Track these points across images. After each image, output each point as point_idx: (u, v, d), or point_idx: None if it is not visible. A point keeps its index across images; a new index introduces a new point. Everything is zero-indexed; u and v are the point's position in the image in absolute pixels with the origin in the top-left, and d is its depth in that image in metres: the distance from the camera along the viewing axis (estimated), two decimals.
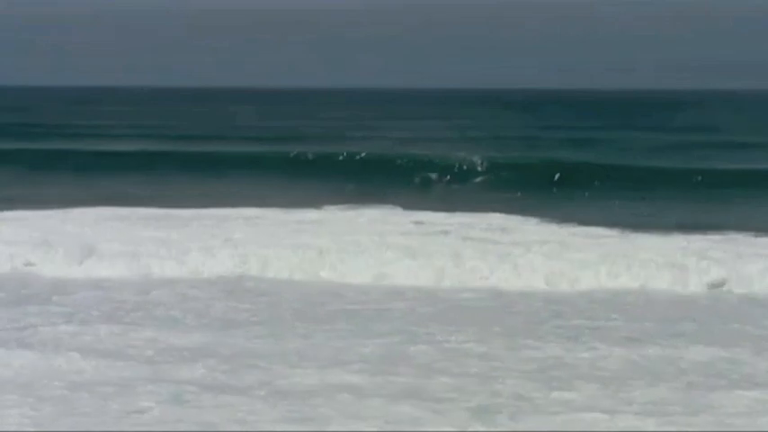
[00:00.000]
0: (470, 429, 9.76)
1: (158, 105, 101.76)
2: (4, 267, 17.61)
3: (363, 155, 34.31)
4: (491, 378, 11.23)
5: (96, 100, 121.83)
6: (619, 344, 12.82)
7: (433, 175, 31.93)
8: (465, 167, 32.71)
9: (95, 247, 18.20)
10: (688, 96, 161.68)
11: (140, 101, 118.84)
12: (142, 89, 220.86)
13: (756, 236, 20.00)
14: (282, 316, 14.44)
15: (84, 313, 14.34)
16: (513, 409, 10.15)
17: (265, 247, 18.21)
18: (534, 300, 15.80)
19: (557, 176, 31.04)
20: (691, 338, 13.21)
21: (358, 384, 10.92)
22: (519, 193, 28.78)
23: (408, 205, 23.86)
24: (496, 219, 22.10)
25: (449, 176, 31.96)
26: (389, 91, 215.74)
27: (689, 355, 12.36)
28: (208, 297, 15.64)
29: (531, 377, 11.31)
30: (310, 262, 17.60)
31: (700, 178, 31.11)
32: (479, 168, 32.60)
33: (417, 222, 21.36)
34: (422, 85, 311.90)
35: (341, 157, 34.24)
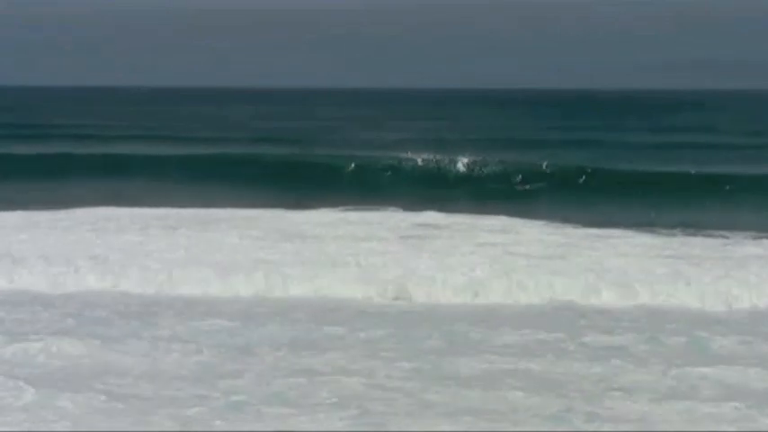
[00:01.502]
0: (472, 429, 9.54)
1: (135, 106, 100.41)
2: None
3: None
4: None
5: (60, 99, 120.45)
6: None
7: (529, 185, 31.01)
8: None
9: None
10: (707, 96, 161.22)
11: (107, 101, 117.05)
12: (124, 89, 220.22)
13: None
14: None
15: None
16: None
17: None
18: None
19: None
20: None
21: None
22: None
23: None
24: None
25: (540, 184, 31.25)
26: (388, 91, 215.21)
27: None
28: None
29: None
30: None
31: None
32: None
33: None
34: (421, 86, 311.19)
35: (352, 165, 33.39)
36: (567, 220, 22.24)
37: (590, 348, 12.39)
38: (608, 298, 15.24)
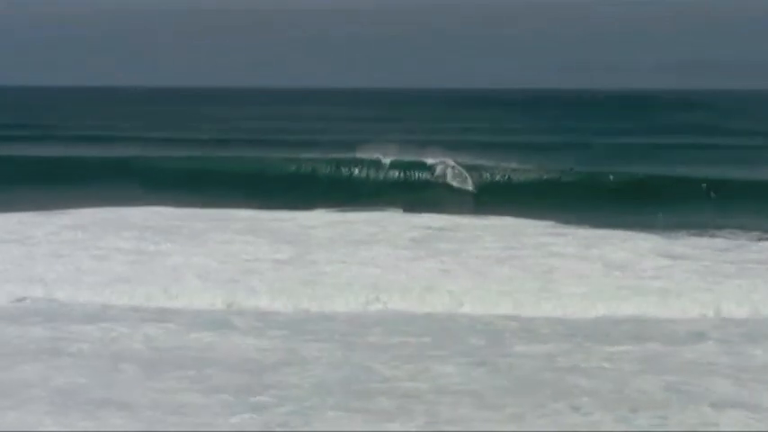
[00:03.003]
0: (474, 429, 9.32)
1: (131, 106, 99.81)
2: None
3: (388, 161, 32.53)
4: None
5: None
6: None
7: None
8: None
9: None
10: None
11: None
12: (122, 89, 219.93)
13: None
14: None
15: None
16: None
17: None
18: None
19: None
20: None
21: None
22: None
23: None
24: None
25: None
26: (384, 91, 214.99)
27: None
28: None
29: None
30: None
31: None
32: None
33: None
34: (420, 86, 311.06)
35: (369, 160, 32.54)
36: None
37: None
38: None
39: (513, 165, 31.53)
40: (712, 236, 20.89)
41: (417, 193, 29.64)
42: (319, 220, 22.01)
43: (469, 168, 31.21)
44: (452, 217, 22.80)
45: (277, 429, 9.46)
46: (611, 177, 30.79)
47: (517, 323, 13.86)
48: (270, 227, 20.85)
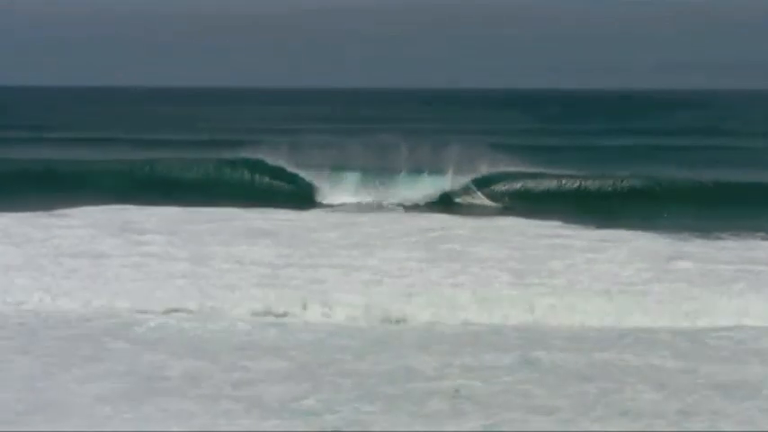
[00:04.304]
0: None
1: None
2: None
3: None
4: None
5: None
6: None
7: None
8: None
9: None
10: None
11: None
12: (121, 89, 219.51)
13: None
14: None
15: None
16: None
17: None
18: None
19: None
20: None
21: None
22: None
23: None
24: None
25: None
26: (384, 91, 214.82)
27: None
28: None
29: None
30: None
31: None
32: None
33: None
34: (419, 86, 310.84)
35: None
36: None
37: None
38: None
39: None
40: None
41: None
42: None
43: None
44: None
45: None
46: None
47: None
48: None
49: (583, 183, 29.85)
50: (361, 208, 26.77)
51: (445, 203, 27.87)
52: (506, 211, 23.15)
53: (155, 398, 10.22)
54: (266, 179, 30.60)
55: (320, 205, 27.87)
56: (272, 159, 30.70)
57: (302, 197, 28.51)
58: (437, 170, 29.29)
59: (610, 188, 29.53)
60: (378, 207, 27.17)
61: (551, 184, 29.74)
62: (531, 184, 29.63)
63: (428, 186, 28.91)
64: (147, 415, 9.72)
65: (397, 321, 13.90)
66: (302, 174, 29.92)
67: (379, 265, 16.61)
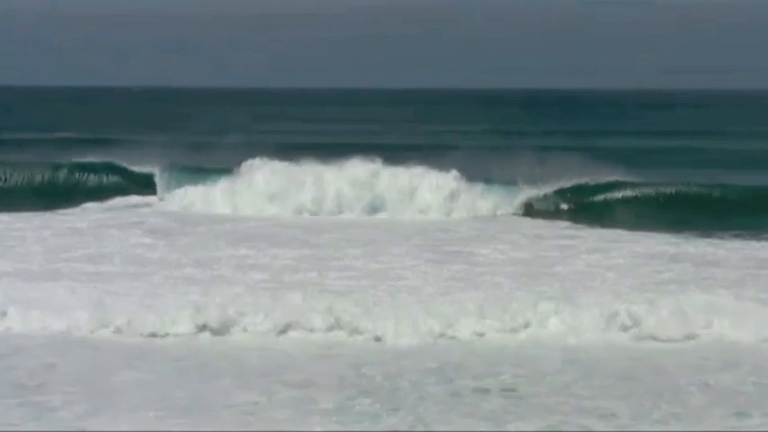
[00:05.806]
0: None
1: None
2: None
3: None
4: None
5: None
6: None
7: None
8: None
9: None
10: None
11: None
12: (121, 89, 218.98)
13: None
14: None
15: None
16: None
17: None
18: None
19: None
20: None
21: None
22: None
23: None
24: None
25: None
26: (382, 91, 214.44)
27: None
28: None
29: None
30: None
31: None
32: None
33: None
34: (419, 86, 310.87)
35: None
36: None
37: None
38: None
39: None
40: None
41: None
42: None
43: None
44: None
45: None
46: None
47: None
48: None
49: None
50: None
51: None
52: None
53: None
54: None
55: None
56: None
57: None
58: None
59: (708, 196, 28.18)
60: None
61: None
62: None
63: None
64: None
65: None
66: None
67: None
